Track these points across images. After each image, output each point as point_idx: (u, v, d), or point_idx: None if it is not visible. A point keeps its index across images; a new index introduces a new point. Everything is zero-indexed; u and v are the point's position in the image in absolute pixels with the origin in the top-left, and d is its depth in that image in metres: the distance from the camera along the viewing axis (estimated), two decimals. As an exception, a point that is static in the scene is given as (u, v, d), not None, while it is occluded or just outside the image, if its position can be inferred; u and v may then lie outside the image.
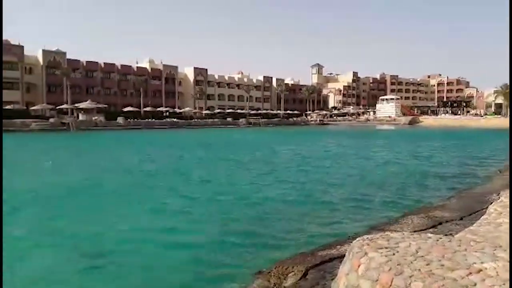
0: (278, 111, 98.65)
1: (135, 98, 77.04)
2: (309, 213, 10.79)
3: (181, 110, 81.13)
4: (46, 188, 14.61)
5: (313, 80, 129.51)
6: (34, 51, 69.35)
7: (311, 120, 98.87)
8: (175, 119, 73.85)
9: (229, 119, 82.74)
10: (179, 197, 12.93)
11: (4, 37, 65.32)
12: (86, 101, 65.00)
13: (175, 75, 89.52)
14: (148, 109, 74.03)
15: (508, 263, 3.94)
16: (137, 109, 72.36)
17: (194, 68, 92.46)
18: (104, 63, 78.51)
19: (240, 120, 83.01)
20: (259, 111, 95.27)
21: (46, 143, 39.75)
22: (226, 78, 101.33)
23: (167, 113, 76.86)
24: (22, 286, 6.46)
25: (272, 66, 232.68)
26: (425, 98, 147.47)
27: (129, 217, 10.48)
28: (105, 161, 24.02)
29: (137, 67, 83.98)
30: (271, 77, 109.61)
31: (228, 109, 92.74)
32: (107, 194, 13.65)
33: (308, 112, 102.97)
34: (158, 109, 77.17)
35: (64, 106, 63.15)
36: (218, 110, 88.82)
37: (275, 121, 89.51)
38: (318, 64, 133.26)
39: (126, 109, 70.74)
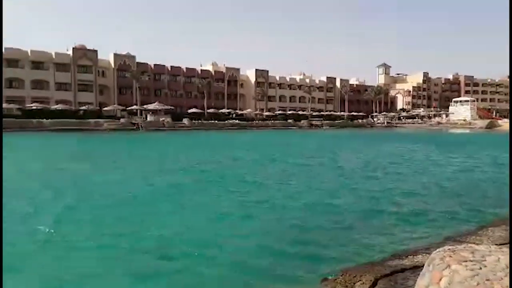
0: (342, 113, 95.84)
1: (199, 100, 78.86)
2: (378, 221, 9.90)
3: (242, 112, 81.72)
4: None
5: (380, 80, 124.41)
6: (106, 55, 73.52)
7: (378, 122, 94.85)
8: (236, 121, 74.44)
9: (290, 120, 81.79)
10: (248, 198, 12.48)
11: (78, 42, 70.03)
12: (154, 102, 67.55)
13: (237, 77, 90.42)
14: (211, 110, 75.41)
15: None
16: (201, 111, 73.98)
17: (256, 70, 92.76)
18: (171, 66, 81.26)
19: (302, 121, 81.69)
20: (322, 113, 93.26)
21: (123, 142, 41.40)
22: (288, 79, 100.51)
23: (234, 114, 77.81)
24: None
25: (336, 66, 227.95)
26: (505, 100, 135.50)
27: (200, 219, 10.15)
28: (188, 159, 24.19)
29: (201, 69, 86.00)
30: (335, 78, 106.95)
31: (290, 110, 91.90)
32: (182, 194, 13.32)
33: (374, 114, 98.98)
34: (221, 110, 78.34)
35: (134, 107, 66.11)
36: (279, 112, 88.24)
37: (338, 123, 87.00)
38: (384, 64, 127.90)
39: (190, 111, 72.68)
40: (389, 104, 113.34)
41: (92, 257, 7.31)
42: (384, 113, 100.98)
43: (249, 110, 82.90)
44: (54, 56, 66.74)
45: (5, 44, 61.14)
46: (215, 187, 15.26)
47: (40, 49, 66.01)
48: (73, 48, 68.48)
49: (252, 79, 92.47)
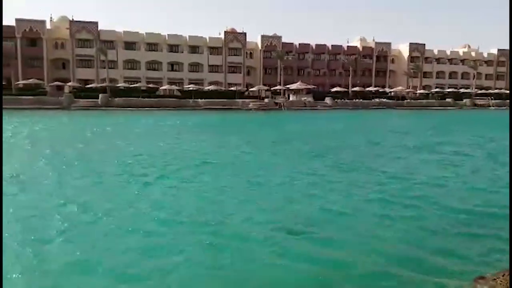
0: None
1: (344, 78, 75.67)
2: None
3: (391, 90, 75.48)
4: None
5: None
6: (254, 38, 76.02)
7: None
8: (384, 99, 69.10)
9: (448, 99, 72.15)
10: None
11: (228, 27, 73.77)
12: (297, 82, 67.35)
13: (387, 52, 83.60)
14: (356, 89, 71.62)
15: None
16: (344, 89, 70.91)
17: (410, 43, 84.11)
18: (315, 44, 79.66)
19: (464, 100, 71.28)
20: (489, 91, 79.81)
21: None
22: (448, 53, 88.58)
23: (390, 93, 72.52)
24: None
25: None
26: None
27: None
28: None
29: (347, 46, 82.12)
30: (508, 50, 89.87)
31: (448, 88, 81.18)
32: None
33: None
34: (367, 89, 73.76)
35: (277, 87, 67.07)
36: (436, 90, 78.70)
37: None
38: None
39: (333, 90, 70.31)
40: None
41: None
42: None
43: (400, 87, 76.05)
44: (208, 41, 71.97)
45: (161, 33, 68.68)
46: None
47: (194, 34, 71.91)
48: (224, 32, 72.66)
49: (405, 53, 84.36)
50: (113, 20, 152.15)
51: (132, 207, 9.87)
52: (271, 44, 74.96)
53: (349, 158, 17.22)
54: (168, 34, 69.96)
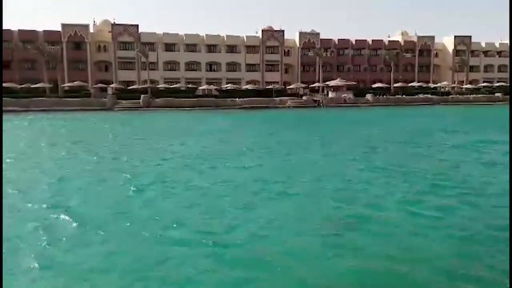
0: None
1: (385, 74, 73.35)
2: None
3: (435, 85, 72.35)
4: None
5: None
6: (292, 35, 75.15)
7: None
8: (428, 95, 66.31)
9: (498, 94, 68.20)
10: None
11: (265, 25, 73.23)
12: (336, 78, 65.92)
13: (431, 46, 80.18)
14: (398, 84, 69.15)
15: None
16: (386, 85, 68.66)
17: (455, 36, 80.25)
18: (355, 40, 77.69)
19: (515, 95, 66.98)
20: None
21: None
22: (497, 45, 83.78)
23: (434, 88, 69.63)
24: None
25: None
26: None
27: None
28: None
29: (388, 41, 79.51)
30: None
31: (498, 82, 76.78)
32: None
33: None
34: (410, 84, 71.07)
35: (316, 84, 65.94)
36: (484, 84, 74.65)
37: None
38: None
39: (374, 86, 68.34)
40: None
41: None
42: None
43: (444, 82, 72.75)
44: (245, 40, 71.88)
45: (201, 32, 69.15)
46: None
47: (231, 33, 72.00)
48: (262, 30, 72.32)
49: (450, 47, 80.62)
50: (152, 22, 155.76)
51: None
52: (309, 41, 73.79)
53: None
54: (206, 35, 70.51)
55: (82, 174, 13.92)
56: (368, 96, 62.07)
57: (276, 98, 59.58)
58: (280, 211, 9.50)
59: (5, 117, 42.01)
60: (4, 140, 17.81)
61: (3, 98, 51.23)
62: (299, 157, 16.70)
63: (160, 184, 12.29)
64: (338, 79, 65.48)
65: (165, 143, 21.50)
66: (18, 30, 63.04)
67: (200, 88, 62.94)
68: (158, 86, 62.50)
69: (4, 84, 56.21)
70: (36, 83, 57.64)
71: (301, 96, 62.93)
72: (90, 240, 7.88)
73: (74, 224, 8.67)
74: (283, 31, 73.25)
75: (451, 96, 67.37)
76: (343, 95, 61.69)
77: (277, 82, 69.97)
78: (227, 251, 7.27)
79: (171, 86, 62.26)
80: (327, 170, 13.89)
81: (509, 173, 12.09)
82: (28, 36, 62.58)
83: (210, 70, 70.69)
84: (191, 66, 69.96)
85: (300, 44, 73.63)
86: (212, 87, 63.02)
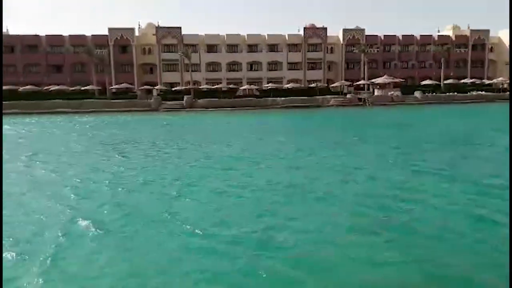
0: None
1: (434, 70, 69.78)
2: None
3: (490, 82, 67.78)
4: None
5: None
6: (335, 32, 73.23)
7: None
8: (482, 92, 62.20)
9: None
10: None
11: (308, 22, 71.91)
12: (382, 76, 63.46)
13: (485, 40, 75.34)
14: (449, 81, 65.44)
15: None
16: (436, 82, 65.15)
17: (512, 28, 74.80)
18: (402, 35, 74.57)
19: None
20: None
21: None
22: (561, 36, 77.16)
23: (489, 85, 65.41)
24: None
25: None
26: None
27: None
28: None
29: (438, 35, 75.58)
30: None
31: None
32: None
33: None
34: (462, 81, 67.03)
35: (361, 82, 63.83)
36: (546, 79, 68.90)
37: None
38: None
39: (423, 83, 65.12)
40: None
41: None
42: None
43: (500, 78, 67.97)
44: (287, 38, 70.99)
45: (241, 32, 68.90)
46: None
47: (273, 32, 71.26)
48: (304, 28, 71.11)
49: (506, 41, 75.33)
50: (194, 24, 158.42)
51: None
52: (354, 37, 71.63)
53: None
54: (247, 34, 70.38)
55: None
56: (417, 94, 59.17)
57: (318, 97, 58.22)
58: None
59: (57, 117, 44.06)
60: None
61: (56, 100, 53.88)
62: (348, 160, 15.72)
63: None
64: (385, 76, 62.95)
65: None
66: (69, 35, 65.96)
67: (241, 88, 62.85)
68: (200, 87, 63.14)
69: (56, 87, 59.19)
70: (86, 86, 60.04)
71: (345, 94, 61.11)
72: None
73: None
74: (325, 28, 71.67)
75: (507, 92, 62.78)
76: (389, 93, 59.22)
77: (320, 80, 68.46)
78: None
79: (213, 87, 62.68)
80: (378, 173, 12.86)
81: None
82: (78, 41, 65.30)
83: (251, 70, 70.47)
84: (232, 66, 70.09)
85: (344, 41, 71.66)
86: (253, 87, 62.69)
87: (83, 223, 8.53)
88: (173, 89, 62.62)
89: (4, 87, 58.40)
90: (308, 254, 6.90)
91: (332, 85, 65.16)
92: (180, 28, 68.21)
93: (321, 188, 11.05)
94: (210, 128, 31.64)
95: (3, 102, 52.70)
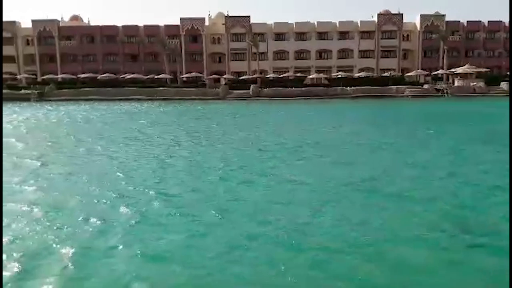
0: None
1: (527, 59, 62.63)
2: None
3: None
4: None
5: None
6: (413, 18, 68.69)
7: None
8: None
9: None
10: None
11: (382, 9, 67.88)
12: (463, 65, 58.26)
13: None
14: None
15: None
16: (527, 72, 58.42)
17: None
18: (488, 21, 67.99)
19: None
20: None
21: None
22: None
23: None
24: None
25: None
26: None
27: None
28: None
29: (532, 20, 67.72)
30: None
31: None
32: None
33: None
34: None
35: (440, 71, 59.28)
36: None
37: None
38: None
39: (512, 72, 58.71)
40: None
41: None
42: None
43: None
44: (359, 25, 67.85)
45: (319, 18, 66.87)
46: None
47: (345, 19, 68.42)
48: (378, 14, 67.51)
49: None
50: (262, 12, 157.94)
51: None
52: (432, 24, 66.48)
53: None
54: (317, 22, 68.31)
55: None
56: (503, 85, 53.50)
57: (392, 87, 54.92)
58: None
59: (134, 103, 46.07)
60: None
61: (131, 87, 56.37)
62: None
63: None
64: (467, 65, 57.66)
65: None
66: (144, 25, 68.56)
67: (309, 77, 61.23)
68: (267, 76, 62.58)
69: (132, 75, 61.97)
70: (159, 74, 62.14)
71: (421, 84, 57.07)
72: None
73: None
74: (401, 14, 67.43)
75: None
76: (472, 84, 54.18)
77: (394, 69, 64.75)
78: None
79: (279, 76, 61.84)
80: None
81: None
82: (151, 31, 67.65)
83: (320, 58, 68.41)
84: (300, 54, 68.53)
85: (421, 28, 66.89)
86: (321, 75, 60.81)
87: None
88: (240, 78, 62.71)
89: (84, 75, 62.64)
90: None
91: (407, 74, 61.22)
92: (249, 17, 67.96)
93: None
94: (290, 118, 30.00)
95: (84, 89, 56.48)
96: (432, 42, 65.66)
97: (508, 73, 59.32)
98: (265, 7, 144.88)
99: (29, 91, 55.33)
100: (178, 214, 7.65)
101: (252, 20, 68.06)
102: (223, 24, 68.52)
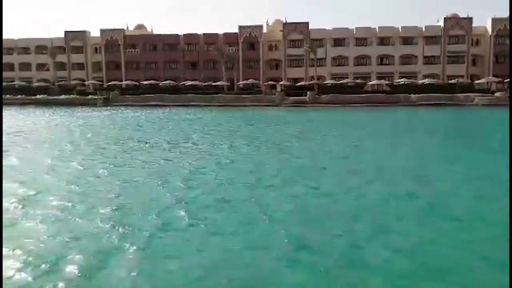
0: None
1: None
2: None
3: None
4: None
5: None
6: (483, 22, 64.29)
7: None
8: None
9: None
10: None
11: (448, 13, 63.92)
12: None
13: None
14: None
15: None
16: None
17: None
18: None
19: None
20: None
21: None
22: None
23: None
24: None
25: None
26: None
27: None
28: None
29: None
30: None
31: None
32: None
33: None
34: None
35: (515, 78, 54.60)
36: None
37: None
38: None
39: None
40: None
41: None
42: None
43: None
44: (423, 30, 64.61)
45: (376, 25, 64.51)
46: None
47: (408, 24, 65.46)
48: (444, 18, 63.94)
49: None
50: (320, 18, 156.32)
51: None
52: (505, 27, 61.65)
53: None
54: (378, 27, 65.98)
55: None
56: None
57: (459, 95, 51.56)
58: None
59: (194, 110, 46.97)
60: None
61: (190, 94, 57.58)
62: None
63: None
64: (547, 71, 52.70)
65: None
66: (203, 33, 70.08)
67: (369, 83, 59.12)
68: (325, 82, 61.33)
69: (191, 82, 63.47)
70: (216, 82, 63.08)
71: (493, 92, 52.98)
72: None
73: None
74: (470, 18, 63.36)
75: None
76: (553, 91, 49.35)
77: (462, 76, 60.81)
78: None
79: (338, 82, 60.34)
80: None
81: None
82: (210, 39, 68.93)
83: (381, 64, 65.89)
84: (360, 60, 66.45)
85: (493, 32, 62.32)
86: (383, 82, 58.52)
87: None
88: (296, 84, 61.96)
89: (146, 82, 65.15)
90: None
91: (477, 81, 57.17)
92: (307, 23, 67.19)
93: None
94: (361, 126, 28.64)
95: (145, 94, 58.63)
96: (505, 47, 60.89)
97: None
98: (324, 14, 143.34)
99: (95, 97, 58.57)
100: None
101: (310, 26, 67.21)
102: (280, 30, 68.28)
